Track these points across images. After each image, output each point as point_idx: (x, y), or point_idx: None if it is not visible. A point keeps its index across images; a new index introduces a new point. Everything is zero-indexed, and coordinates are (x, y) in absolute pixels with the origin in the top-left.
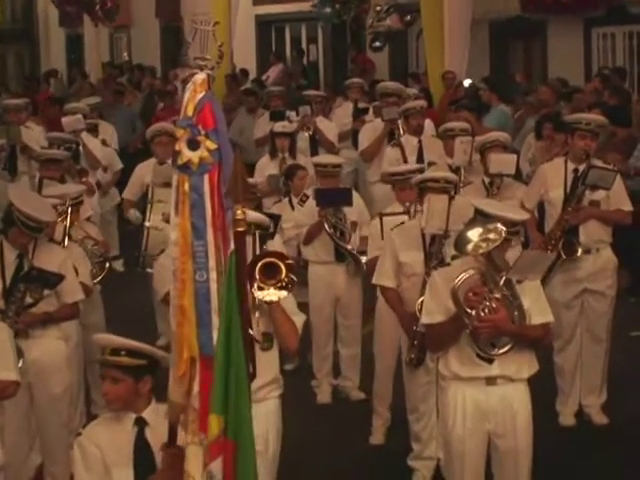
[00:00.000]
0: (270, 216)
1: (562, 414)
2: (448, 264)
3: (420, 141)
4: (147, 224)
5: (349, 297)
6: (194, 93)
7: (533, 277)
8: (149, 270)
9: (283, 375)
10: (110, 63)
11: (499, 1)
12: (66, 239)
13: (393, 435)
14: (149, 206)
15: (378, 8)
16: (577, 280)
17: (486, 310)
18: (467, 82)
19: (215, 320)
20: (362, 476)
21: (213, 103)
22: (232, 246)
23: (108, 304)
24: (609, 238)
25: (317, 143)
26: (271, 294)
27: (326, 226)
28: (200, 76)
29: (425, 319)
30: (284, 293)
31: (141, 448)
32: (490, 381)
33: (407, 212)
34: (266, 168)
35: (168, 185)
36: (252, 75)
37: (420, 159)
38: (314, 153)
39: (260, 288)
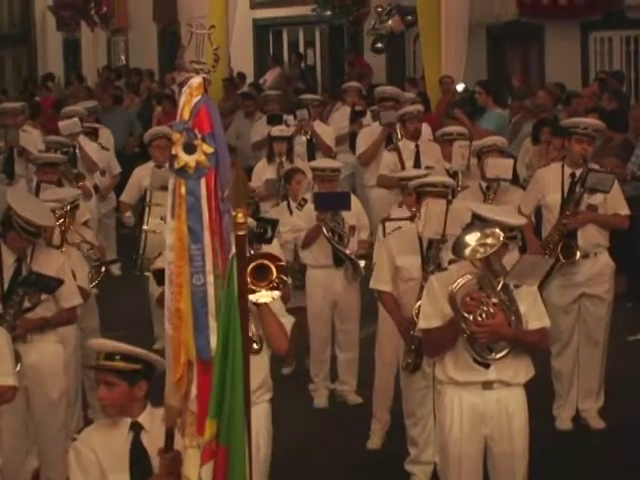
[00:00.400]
0: (268, 221)
1: (559, 418)
2: (445, 269)
3: (417, 145)
4: (145, 227)
5: (347, 301)
6: (190, 97)
7: (531, 282)
8: (147, 273)
9: (280, 379)
10: (108, 67)
11: (496, 6)
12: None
13: (390, 439)
14: (147, 209)
15: (380, 9)
16: (575, 284)
17: (484, 315)
18: (460, 87)
19: (212, 324)
20: None
21: (209, 106)
22: (233, 250)
23: (106, 308)
24: (606, 242)
25: (314, 147)
26: (264, 295)
27: (324, 230)
28: (196, 80)
29: (422, 324)
30: (277, 293)
31: (137, 453)
32: (487, 386)
33: (412, 217)
34: (263, 172)
35: (166, 188)
36: (250, 79)
37: (417, 163)
38: (311, 157)
39: (252, 291)
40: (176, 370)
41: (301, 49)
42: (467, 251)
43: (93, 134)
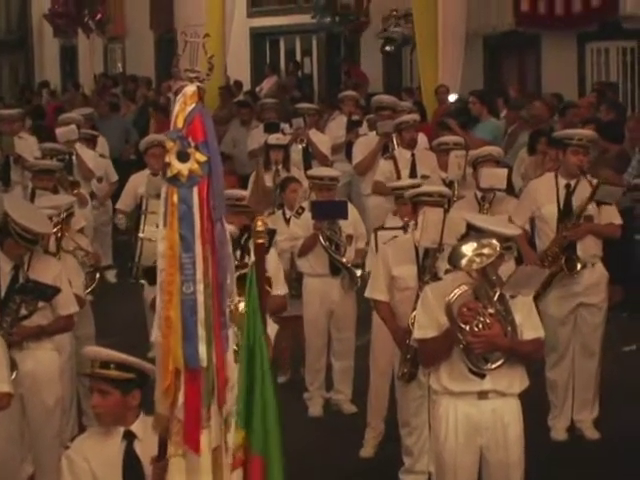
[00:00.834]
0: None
1: (554, 429)
2: (440, 278)
3: (413, 154)
4: (141, 235)
5: (343, 310)
6: (184, 105)
7: (527, 292)
8: (142, 281)
9: (275, 387)
10: (104, 74)
11: (493, 16)
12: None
13: (384, 448)
14: (143, 217)
15: (395, 13)
16: (574, 294)
17: (480, 325)
18: (452, 97)
19: (201, 332)
20: None
21: (203, 115)
22: (227, 258)
23: (101, 315)
24: (601, 252)
25: (310, 156)
26: None
27: (321, 239)
28: (190, 88)
29: (417, 334)
30: None
31: (130, 461)
32: (482, 396)
33: (404, 227)
34: None
35: None
36: (247, 87)
37: (413, 172)
38: (307, 166)
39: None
40: (165, 378)
41: (298, 58)
42: (464, 261)
43: (91, 141)
